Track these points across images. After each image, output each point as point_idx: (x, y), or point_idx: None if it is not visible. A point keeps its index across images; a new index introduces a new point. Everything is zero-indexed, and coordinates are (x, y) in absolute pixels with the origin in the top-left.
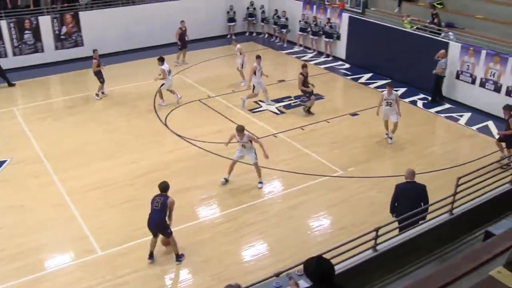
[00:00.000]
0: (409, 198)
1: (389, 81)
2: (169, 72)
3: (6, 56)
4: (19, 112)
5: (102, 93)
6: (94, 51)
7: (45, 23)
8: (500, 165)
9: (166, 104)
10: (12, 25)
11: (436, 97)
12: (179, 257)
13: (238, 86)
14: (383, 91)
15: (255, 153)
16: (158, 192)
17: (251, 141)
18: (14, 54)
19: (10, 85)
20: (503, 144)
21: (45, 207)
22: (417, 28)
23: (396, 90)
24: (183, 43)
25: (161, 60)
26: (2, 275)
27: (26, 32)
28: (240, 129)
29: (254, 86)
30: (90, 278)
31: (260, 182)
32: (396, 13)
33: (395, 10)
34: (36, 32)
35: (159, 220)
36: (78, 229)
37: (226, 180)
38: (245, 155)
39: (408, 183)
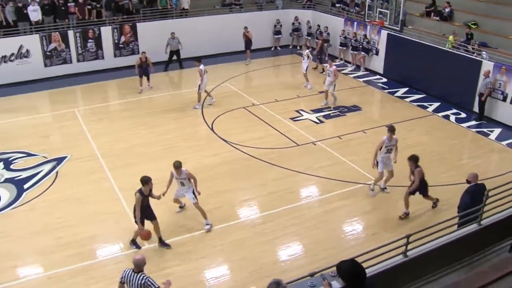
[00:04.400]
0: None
1: (390, 124)
2: (205, 72)
3: (71, 62)
4: (80, 113)
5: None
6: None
7: (106, 33)
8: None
9: (200, 106)
10: (78, 34)
11: (482, 117)
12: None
13: (280, 96)
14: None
15: (194, 193)
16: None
17: (189, 179)
18: (78, 61)
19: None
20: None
21: (99, 201)
22: (452, 46)
23: (431, 104)
24: (141, 70)
25: (199, 61)
26: (59, 260)
27: (89, 41)
28: (178, 165)
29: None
30: (115, 275)
31: (207, 224)
32: (435, 32)
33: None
34: (98, 41)
35: None
36: (128, 223)
37: (181, 208)
38: (184, 194)
39: (476, 185)
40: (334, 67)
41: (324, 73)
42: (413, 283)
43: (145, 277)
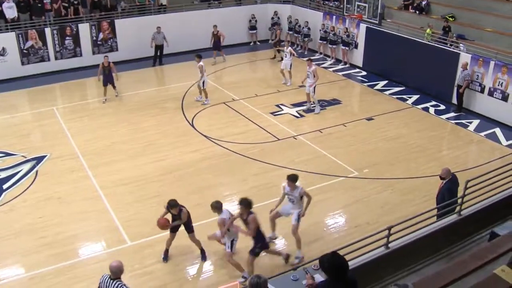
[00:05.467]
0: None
1: (291, 175)
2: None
3: (48, 60)
4: (59, 111)
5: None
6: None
7: (84, 30)
8: None
9: (209, 101)
10: (55, 32)
11: (461, 108)
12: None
13: (260, 90)
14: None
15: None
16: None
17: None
18: (56, 58)
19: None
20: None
21: (80, 199)
22: (431, 39)
23: (410, 97)
24: (104, 77)
25: (199, 57)
26: (42, 260)
27: (67, 38)
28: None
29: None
30: None
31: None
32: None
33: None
34: (76, 38)
35: None
36: (110, 221)
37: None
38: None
39: (450, 181)
40: (314, 67)
41: (276, 58)
42: (395, 274)
43: (120, 285)
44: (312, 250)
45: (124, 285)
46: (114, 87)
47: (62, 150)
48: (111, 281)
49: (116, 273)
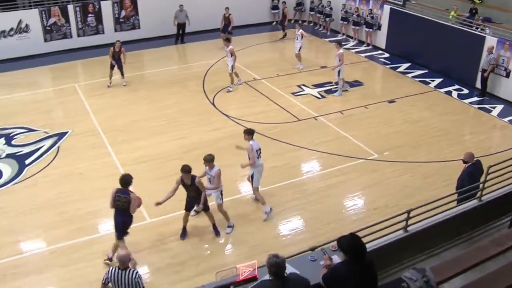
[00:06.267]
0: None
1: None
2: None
3: (71, 37)
4: (80, 88)
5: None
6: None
7: (107, 7)
8: None
9: (233, 88)
10: (77, 9)
11: (484, 93)
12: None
13: (282, 70)
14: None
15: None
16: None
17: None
18: (78, 35)
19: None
20: None
21: (101, 176)
22: (456, 21)
23: (433, 80)
24: (113, 62)
25: (229, 41)
26: (62, 235)
27: (89, 15)
28: (209, 159)
29: None
30: (138, 243)
31: (229, 226)
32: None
33: None
34: (98, 15)
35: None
36: None
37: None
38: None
39: (473, 165)
40: (341, 50)
41: (285, 38)
42: (413, 258)
43: (134, 271)
44: (330, 231)
45: (137, 272)
46: (122, 74)
47: (83, 127)
48: (122, 271)
49: (126, 262)
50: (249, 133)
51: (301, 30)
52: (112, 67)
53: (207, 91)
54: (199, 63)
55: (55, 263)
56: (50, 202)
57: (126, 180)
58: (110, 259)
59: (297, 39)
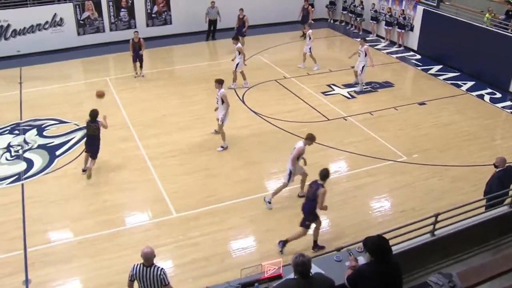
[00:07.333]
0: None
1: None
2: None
3: (103, 31)
4: (111, 82)
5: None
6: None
7: (139, 2)
8: None
9: (249, 84)
10: (110, 3)
11: None
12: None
13: (312, 70)
14: None
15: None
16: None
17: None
18: (111, 30)
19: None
20: None
21: (129, 169)
22: (490, 24)
23: (465, 83)
24: (134, 54)
25: (237, 39)
26: (90, 226)
27: (122, 10)
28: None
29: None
30: (164, 236)
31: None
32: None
33: None
34: (131, 10)
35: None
36: (157, 192)
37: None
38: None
39: (504, 170)
40: (366, 46)
41: (303, 36)
42: (440, 262)
43: (159, 268)
44: (357, 232)
45: (162, 268)
46: (141, 65)
47: (113, 120)
48: (147, 268)
49: (150, 259)
50: (219, 82)
51: (310, 31)
52: (134, 59)
53: (236, 88)
54: (229, 60)
55: (82, 254)
56: (79, 193)
57: (94, 114)
58: (84, 170)
59: (308, 40)
